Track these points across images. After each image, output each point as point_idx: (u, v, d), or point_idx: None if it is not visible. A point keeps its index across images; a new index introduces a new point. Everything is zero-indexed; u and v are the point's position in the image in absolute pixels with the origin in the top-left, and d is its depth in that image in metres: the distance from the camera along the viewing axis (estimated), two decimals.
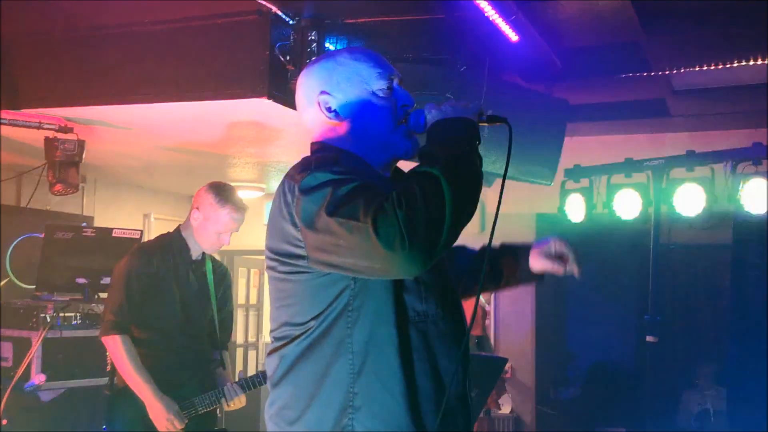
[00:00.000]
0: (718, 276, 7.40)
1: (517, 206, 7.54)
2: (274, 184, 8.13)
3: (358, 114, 1.98)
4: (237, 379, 3.91)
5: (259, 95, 4.35)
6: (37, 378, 4.38)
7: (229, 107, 4.71)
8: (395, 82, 2.02)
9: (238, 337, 8.68)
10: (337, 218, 1.70)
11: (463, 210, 1.74)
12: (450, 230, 1.70)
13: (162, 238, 3.99)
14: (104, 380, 4.51)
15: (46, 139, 4.90)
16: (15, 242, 5.44)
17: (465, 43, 4.37)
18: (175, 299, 3.80)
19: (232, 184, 7.64)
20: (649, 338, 5.27)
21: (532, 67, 4.92)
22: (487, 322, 5.85)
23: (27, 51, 4.79)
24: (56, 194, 5.10)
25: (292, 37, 4.25)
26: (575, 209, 5.88)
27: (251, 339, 8.99)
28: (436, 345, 1.91)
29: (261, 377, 3.88)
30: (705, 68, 5.09)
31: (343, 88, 1.99)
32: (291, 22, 4.27)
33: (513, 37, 4.27)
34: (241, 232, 4.13)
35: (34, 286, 5.02)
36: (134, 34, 4.60)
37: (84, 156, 5.04)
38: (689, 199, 5.28)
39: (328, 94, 1.99)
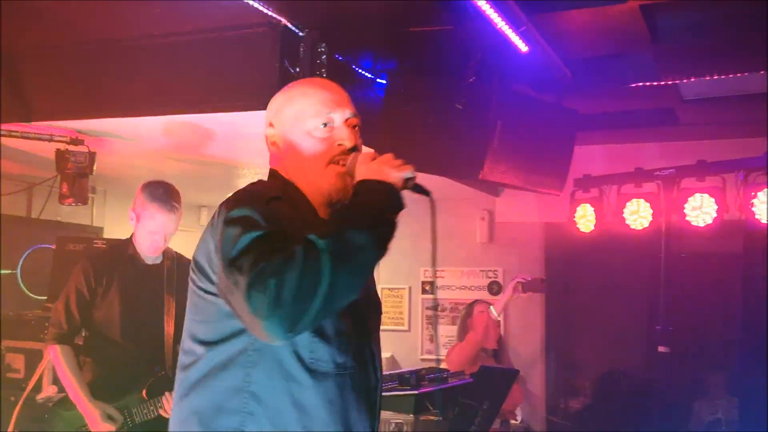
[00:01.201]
0: (729, 286, 7.36)
1: (525, 216, 7.55)
2: None
3: (290, 152, 2.01)
4: None
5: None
6: (49, 390, 4.38)
7: (239, 119, 4.73)
8: (338, 120, 2.01)
9: None
10: (233, 265, 1.71)
11: (340, 290, 1.70)
12: (320, 308, 1.67)
13: (113, 245, 3.98)
14: None
15: (58, 151, 4.92)
16: (26, 253, 5.45)
17: (474, 54, 4.38)
18: (119, 308, 3.76)
19: None
20: (661, 348, 5.26)
21: (541, 77, 4.93)
22: (502, 333, 5.83)
23: (38, 64, 4.82)
24: (67, 205, 5.12)
25: (301, 49, 4.25)
26: (585, 219, 5.87)
27: None
28: (350, 397, 1.91)
29: None
30: (714, 77, 5.08)
31: (284, 123, 2.03)
32: (301, 34, 4.28)
33: (522, 47, 4.27)
34: None
35: (45, 298, 5.03)
36: (144, 47, 4.62)
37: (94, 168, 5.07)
38: (700, 209, 5.27)
39: (272, 126, 2.05)
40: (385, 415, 7.00)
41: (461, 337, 5.46)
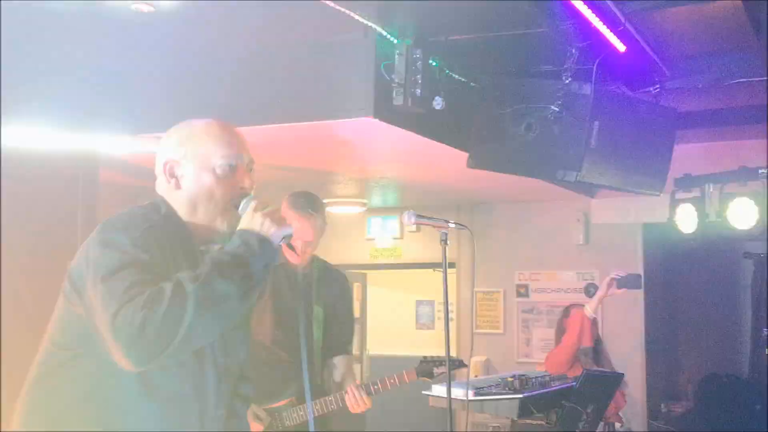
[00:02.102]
0: None
1: (623, 216, 7.42)
2: (376, 199, 8.22)
3: (194, 186, 2.09)
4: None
5: (365, 114, 4.42)
6: None
7: (335, 126, 4.80)
8: (241, 164, 2.12)
9: None
10: (104, 285, 1.87)
11: (200, 333, 1.88)
12: (179, 346, 1.84)
13: None
14: None
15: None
16: None
17: (570, 55, 4.33)
18: (270, 314, 3.85)
19: (335, 200, 7.82)
20: None
21: (639, 76, 4.84)
22: (600, 333, 5.72)
23: (145, 80, 4.99)
24: None
25: (396, 56, 4.29)
26: (686, 219, 5.73)
27: (355, 352, 9.07)
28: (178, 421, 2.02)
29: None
30: None
31: (189, 158, 2.10)
32: (396, 41, 4.32)
33: (620, 47, 4.21)
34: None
35: None
36: (243, 60, 4.74)
37: None
38: None
39: (174, 160, 2.11)
40: (481, 418, 6.98)
41: (558, 340, 5.42)
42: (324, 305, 3.94)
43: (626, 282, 5.22)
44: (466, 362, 3.86)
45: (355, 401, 3.77)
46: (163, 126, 4.90)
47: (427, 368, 3.84)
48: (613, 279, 5.20)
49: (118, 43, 4.64)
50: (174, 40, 4.61)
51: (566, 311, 5.48)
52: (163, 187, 2.15)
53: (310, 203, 3.89)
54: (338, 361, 4.00)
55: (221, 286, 1.87)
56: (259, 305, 3.84)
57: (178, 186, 2.11)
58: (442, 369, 3.78)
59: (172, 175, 2.11)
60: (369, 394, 3.79)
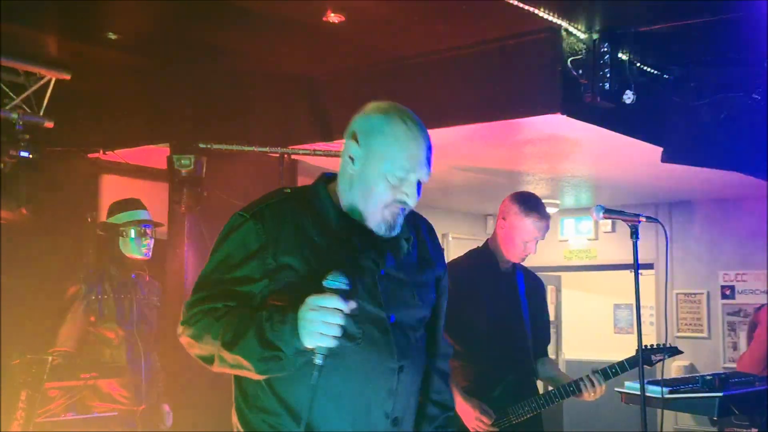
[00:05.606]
0: None
1: None
2: (568, 199, 8.10)
3: (364, 178, 2.08)
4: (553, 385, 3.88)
5: (552, 111, 4.39)
6: None
7: (522, 125, 4.80)
8: (413, 178, 2.07)
9: None
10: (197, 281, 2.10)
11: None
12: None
13: (471, 253, 4.09)
14: None
15: None
16: None
17: None
18: (483, 312, 3.88)
19: None
20: None
21: None
22: None
23: (337, 87, 5.22)
24: None
25: (584, 51, 4.23)
26: None
27: (551, 355, 8.95)
28: None
29: (617, 368, 3.81)
30: None
31: (371, 149, 2.08)
32: (582, 35, 4.26)
33: None
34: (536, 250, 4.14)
35: None
36: (430, 63, 4.84)
37: None
38: None
39: (356, 143, 2.09)
40: (683, 423, 6.67)
41: (750, 338, 5.12)
42: (530, 307, 3.95)
43: None
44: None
45: (592, 388, 3.71)
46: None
47: (645, 356, 3.70)
48: None
49: (313, 55, 4.87)
50: (366, 50, 4.78)
51: (759, 308, 5.19)
52: (341, 162, 2.16)
53: (544, 208, 3.90)
54: (543, 362, 4.00)
55: (221, 357, 1.99)
56: (472, 305, 3.88)
57: (352, 168, 2.10)
58: (660, 356, 3.64)
59: (350, 157, 2.10)
60: (607, 378, 3.70)
